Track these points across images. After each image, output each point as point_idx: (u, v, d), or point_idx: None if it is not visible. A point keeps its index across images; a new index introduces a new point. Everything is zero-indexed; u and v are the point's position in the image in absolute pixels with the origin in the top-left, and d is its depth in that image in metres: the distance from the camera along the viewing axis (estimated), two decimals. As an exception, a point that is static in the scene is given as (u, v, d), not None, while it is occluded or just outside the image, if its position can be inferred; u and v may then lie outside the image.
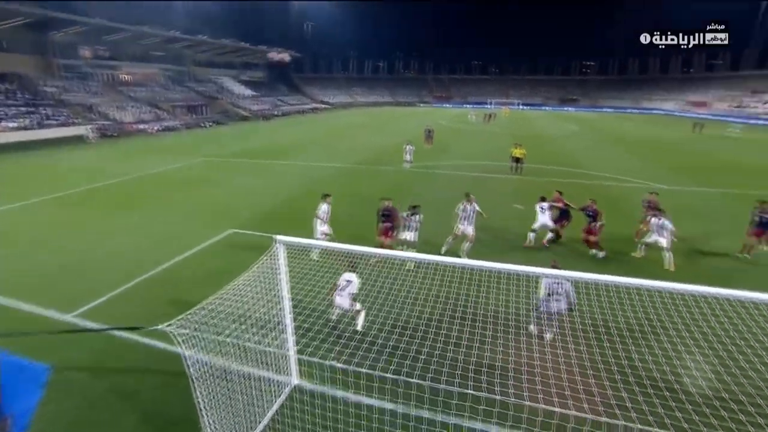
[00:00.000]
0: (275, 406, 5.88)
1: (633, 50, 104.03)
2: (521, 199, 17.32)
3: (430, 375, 5.36)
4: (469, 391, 5.06)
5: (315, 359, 5.15)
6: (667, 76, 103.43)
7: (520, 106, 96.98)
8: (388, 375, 4.82)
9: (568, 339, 6.65)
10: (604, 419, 4.46)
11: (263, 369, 5.78)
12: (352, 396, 5.63)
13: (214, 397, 5.08)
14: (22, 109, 39.86)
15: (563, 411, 4.49)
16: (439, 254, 11.15)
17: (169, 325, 4.55)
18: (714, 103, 79.73)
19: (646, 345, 6.76)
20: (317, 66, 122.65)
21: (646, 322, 7.08)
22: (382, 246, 10.36)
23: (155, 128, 47.65)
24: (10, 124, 36.23)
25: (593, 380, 5.92)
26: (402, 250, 10.47)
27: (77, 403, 6.07)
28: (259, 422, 5.58)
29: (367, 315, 7.56)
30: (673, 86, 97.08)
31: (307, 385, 6.21)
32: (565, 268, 4.89)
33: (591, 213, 11.42)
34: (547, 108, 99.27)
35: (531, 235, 12.13)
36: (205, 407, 4.85)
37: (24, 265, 10.92)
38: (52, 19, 47.08)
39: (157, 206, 16.58)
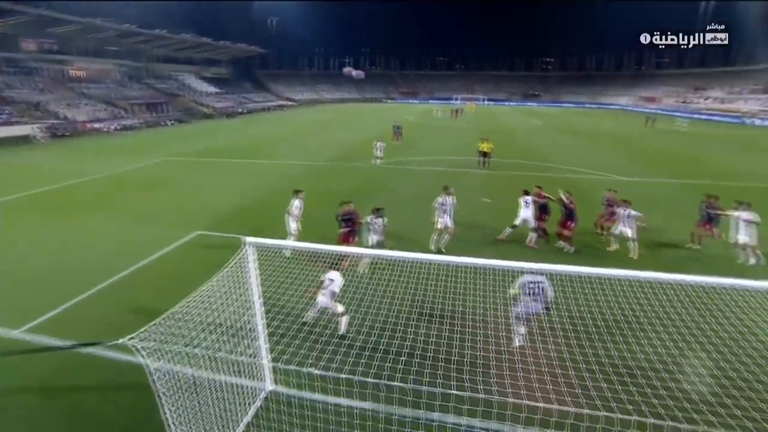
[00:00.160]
0: (250, 414, 5.62)
1: (590, 47, 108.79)
2: (489, 193, 17.58)
3: (411, 377, 5.24)
4: (453, 392, 4.98)
5: (291, 367, 4.92)
6: (620, 72, 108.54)
7: (485, 102, 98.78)
8: (369, 379, 4.66)
9: (546, 333, 6.71)
10: (586, 411, 4.49)
11: (236, 377, 5.49)
12: (331, 399, 5.45)
13: (183, 411, 4.77)
14: (-43, 107, 36.96)
15: (546, 406, 4.49)
16: (427, 251, 11.05)
17: (132, 338, 4.20)
18: (663, 99, 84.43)
19: (621, 335, 6.92)
20: (282, 62, 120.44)
21: (619, 312, 7.24)
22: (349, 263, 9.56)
23: (112, 127, 45.33)
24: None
25: (573, 372, 6.00)
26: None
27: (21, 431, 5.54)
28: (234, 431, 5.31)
29: (342, 314, 7.37)
30: (627, 82, 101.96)
31: (283, 390, 5.97)
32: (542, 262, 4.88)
33: (569, 209, 11.50)
34: (511, 103, 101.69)
35: (508, 229, 12.01)
36: (173, 423, 4.54)
37: (-36, 277, 10.03)
38: (-11, 10, 43.76)
39: (116, 209, 15.67)
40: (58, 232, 13.12)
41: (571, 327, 6.79)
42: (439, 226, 11.33)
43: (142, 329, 4.43)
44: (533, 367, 5.85)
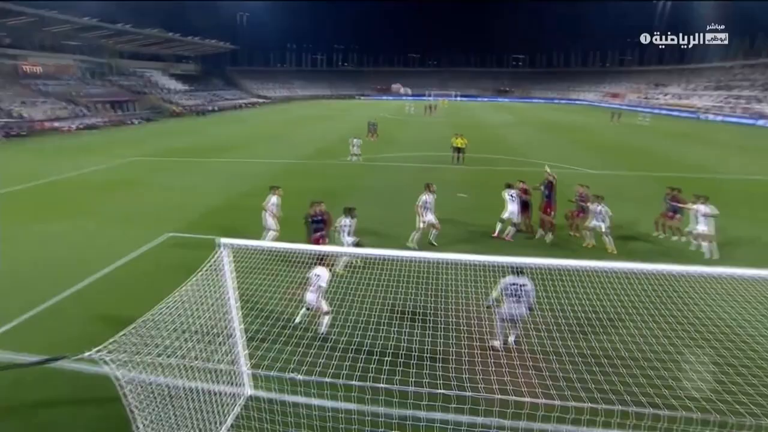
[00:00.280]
0: (229, 421, 5.39)
1: (558, 45, 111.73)
2: (465, 188, 17.73)
3: (397, 378, 5.15)
4: (440, 391, 4.92)
5: (272, 373, 4.73)
6: (586, 69, 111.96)
7: (457, 98, 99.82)
8: (354, 382, 4.54)
9: (529, 327, 6.75)
10: (571, 404, 4.52)
11: (214, 383, 5.25)
12: (316, 402, 5.30)
13: (158, 424, 4.53)
14: None
15: (532, 401, 4.50)
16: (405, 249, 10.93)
17: (100, 350, 3.92)
18: (627, 95, 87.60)
19: (601, 326, 7.05)
20: (254, 59, 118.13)
21: (599, 304, 7.37)
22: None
23: (73, 126, 43.29)
24: None
25: (557, 365, 6.06)
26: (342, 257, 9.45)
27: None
28: (213, 441, 5.09)
29: (326, 313, 7.21)
30: (593, 79, 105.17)
31: (264, 394, 5.76)
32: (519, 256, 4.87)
33: (547, 191, 11.95)
34: (482, 99, 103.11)
35: (499, 224, 12.08)
36: (147, 438, 4.29)
37: None
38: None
39: (80, 213, 14.87)
40: (14, 238, 12.32)
41: (552, 321, 6.86)
42: (421, 225, 11.25)
43: (111, 339, 4.15)
44: (518, 362, 5.87)
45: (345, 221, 9.70)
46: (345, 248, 8.70)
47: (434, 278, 7.60)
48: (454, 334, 6.50)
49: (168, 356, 4.67)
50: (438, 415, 4.96)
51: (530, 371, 5.72)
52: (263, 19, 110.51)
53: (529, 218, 12.45)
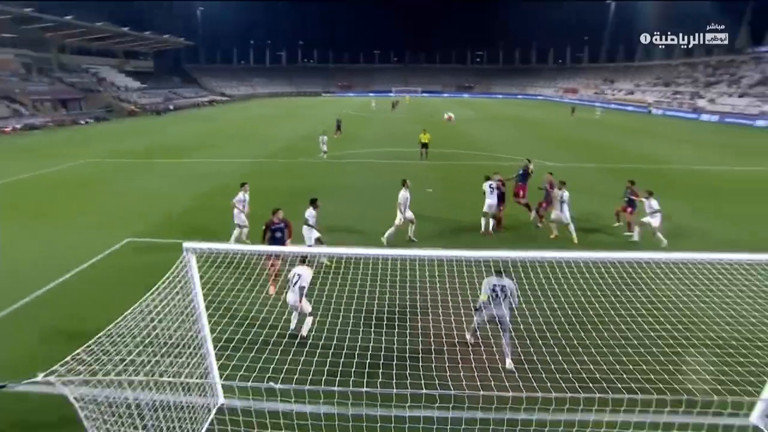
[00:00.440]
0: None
1: (517, 42, 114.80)
2: (431, 183, 17.85)
3: (379, 380, 5.02)
4: (423, 391, 4.83)
5: (248, 384, 4.46)
6: (544, 66, 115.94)
7: (421, 93, 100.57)
8: (335, 388, 4.36)
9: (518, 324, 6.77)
10: (553, 395, 4.54)
11: (184, 395, 4.91)
12: (296, 407, 5.08)
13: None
14: None
15: (516, 394, 4.48)
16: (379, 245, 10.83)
17: (54, 371, 3.56)
18: (582, 90, 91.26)
19: (578, 320, 7.19)
20: (214, 55, 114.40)
21: (572, 295, 7.50)
22: (273, 271, 8.57)
23: (16, 126, 40.31)
24: None
25: (536, 358, 6.11)
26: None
27: None
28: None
29: (308, 314, 6.98)
30: (550, 75, 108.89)
31: (238, 403, 5.46)
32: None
33: (525, 175, 13.51)
34: (445, 95, 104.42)
35: (483, 219, 12.14)
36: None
37: None
38: None
39: (30, 218, 13.80)
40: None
41: (528, 314, 6.92)
42: (399, 223, 11.17)
43: (67, 358, 3.79)
44: (498, 356, 5.87)
45: (310, 211, 9.64)
46: (324, 249, 8.58)
47: (411, 275, 7.50)
48: (434, 331, 6.43)
49: (132, 372, 4.33)
50: (422, 412, 4.87)
51: (510, 365, 5.71)
52: (221, 14, 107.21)
53: (503, 210, 12.53)
